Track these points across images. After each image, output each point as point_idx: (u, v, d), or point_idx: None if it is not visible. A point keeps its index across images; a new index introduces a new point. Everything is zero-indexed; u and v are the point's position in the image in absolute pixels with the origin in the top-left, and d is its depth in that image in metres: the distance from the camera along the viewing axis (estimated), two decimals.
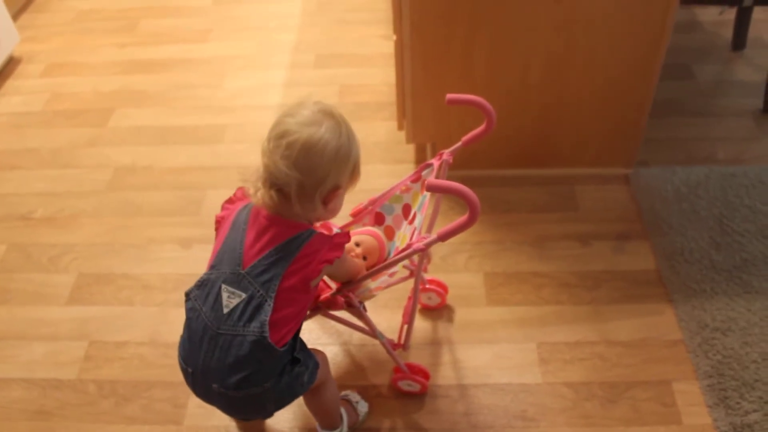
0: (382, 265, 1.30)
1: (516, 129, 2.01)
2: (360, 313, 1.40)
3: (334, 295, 1.34)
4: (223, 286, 1.15)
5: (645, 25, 1.75)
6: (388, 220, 1.52)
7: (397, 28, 1.83)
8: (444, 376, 1.63)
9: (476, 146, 2.05)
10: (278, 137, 1.11)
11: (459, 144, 1.43)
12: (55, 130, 2.50)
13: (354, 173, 1.22)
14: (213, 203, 2.13)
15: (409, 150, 2.26)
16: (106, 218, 2.13)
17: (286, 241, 1.15)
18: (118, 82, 2.73)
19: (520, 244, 1.94)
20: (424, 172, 1.45)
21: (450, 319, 1.75)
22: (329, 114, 1.15)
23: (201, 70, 2.78)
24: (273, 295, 1.13)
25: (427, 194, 1.39)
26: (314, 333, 1.74)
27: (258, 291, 1.13)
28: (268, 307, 1.12)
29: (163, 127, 2.47)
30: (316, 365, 1.29)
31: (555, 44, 1.80)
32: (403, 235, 1.44)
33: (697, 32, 2.76)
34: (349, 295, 1.36)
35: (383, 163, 2.24)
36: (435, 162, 1.43)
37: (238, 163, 2.28)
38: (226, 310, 1.14)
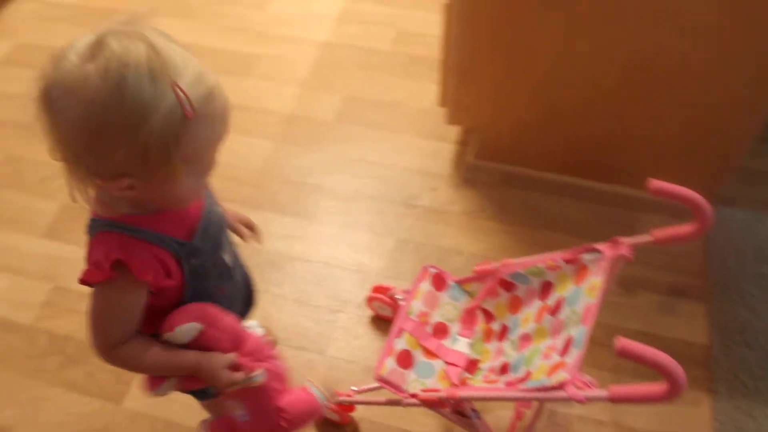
0: (515, 395, 1.03)
1: (577, 131, 1.64)
2: (472, 425, 1.16)
3: (441, 399, 1.09)
4: None
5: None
6: (520, 291, 1.24)
7: None
8: None
9: (528, 140, 1.73)
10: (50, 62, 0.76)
11: (648, 238, 1.08)
12: (82, 29, 2.29)
13: (157, 154, 0.75)
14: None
15: (453, 130, 1.92)
16: None
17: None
18: None
19: None
20: (585, 256, 1.12)
21: None
22: (106, 51, 0.71)
23: None
24: None
25: (585, 291, 1.08)
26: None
27: None
28: None
29: (189, 46, 2.22)
30: None
31: (643, 45, 1.41)
32: (541, 327, 1.15)
33: None
34: (461, 406, 1.12)
35: (418, 137, 1.92)
36: (606, 251, 1.10)
37: (261, 104, 2.02)
38: None
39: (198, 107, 0.75)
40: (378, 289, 1.51)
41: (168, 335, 0.89)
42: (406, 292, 1.30)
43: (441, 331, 1.27)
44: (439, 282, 1.31)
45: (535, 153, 1.75)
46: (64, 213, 1.79)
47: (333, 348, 1.51)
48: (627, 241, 1.08)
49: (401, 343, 1.21)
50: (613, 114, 1.57)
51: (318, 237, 1.71)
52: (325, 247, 1.69)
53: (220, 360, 0.91)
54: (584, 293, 1.08)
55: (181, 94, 0.73)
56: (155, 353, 0.90)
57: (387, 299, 1.48)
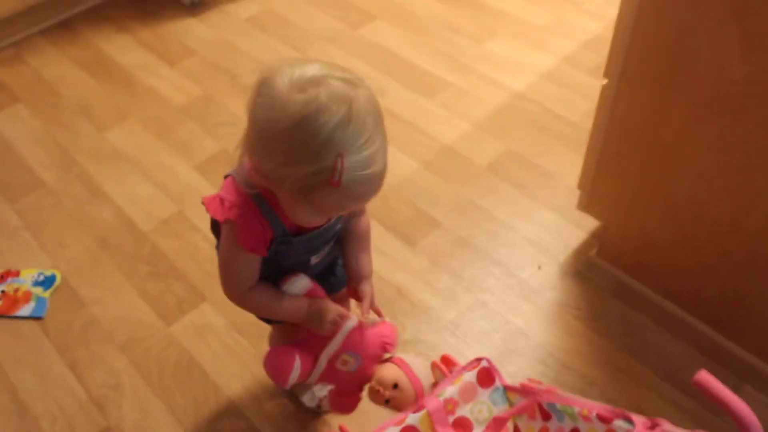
0: None
1: (706, 269, 1.43)
2: None
3: None
4: None
5: None
6: (552, 425, 1.10)
7: (610, 69, 1.37)
8: None
9: (653, 257, 1.56)
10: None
11: None
12: (319, 14, 2.52)
13: (289, 187, 0.87)
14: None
15: (592, 221, 1.73)
16: None
17: None
18: None
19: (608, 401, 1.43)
20: (618, 422, 0.98)
21: None
22: (314, 94, 0.81)
23: (480, 16, 2.49)
24: None
25: None
26: None
27: None
28: None
29: (395, 56, 2.33)
30: None
31: None
32: None
33: None
34: None
35: (555, 212, 1.80)
36: (639, 427, 0.93)
37: (426, 127, 2.06)
38: None
39: (345, 183, 0.83)
40: (446, 360, 1.35)
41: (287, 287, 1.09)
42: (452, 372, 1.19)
43: (463, 426, 1.14)
44: (485, 378, 1.17)
45: (657, 274, 1.55)
46: (219, 157, 2.00)
47: None
48: (667, 427, 0.90)
49: (414, 419, 1.10)
50: (753, 263, 1.34)
51: (405, 264, 1.70)
52: (405, 276, 1.67)
53: (328, 308, 1.09)
54: None
55: (338, 166, 0.81)
56: (276, 300, 1.07)
57: (448, 373, 1.26)
